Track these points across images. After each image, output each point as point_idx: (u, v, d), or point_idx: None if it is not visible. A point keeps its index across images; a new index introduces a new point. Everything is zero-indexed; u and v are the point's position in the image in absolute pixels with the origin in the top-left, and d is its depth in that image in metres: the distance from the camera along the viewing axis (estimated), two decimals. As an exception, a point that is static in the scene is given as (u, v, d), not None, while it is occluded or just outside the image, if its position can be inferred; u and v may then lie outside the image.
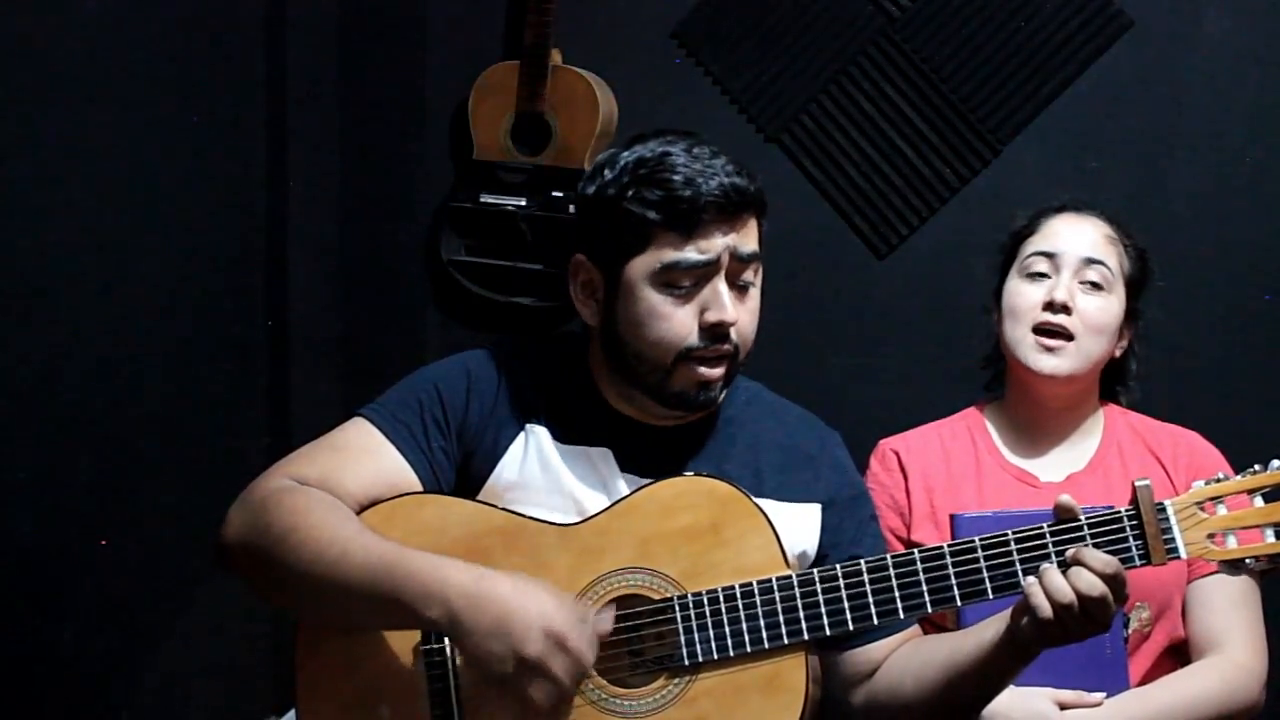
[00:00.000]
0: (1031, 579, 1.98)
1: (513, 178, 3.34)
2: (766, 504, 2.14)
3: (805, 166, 3.31)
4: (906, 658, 2.21)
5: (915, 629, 2.27)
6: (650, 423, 2.25)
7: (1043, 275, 2.56)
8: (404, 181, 3.48)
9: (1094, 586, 1.94)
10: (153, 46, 2.98)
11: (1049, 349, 2.52)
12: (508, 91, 3.31)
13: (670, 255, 2.12)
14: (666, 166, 2.12)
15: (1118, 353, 2.61)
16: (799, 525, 2.23)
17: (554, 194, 3.32)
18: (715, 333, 2.13)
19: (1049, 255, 2.56)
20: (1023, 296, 2.56)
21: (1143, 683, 2.46)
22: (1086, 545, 1.98)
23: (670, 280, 2.12)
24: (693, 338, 2.13)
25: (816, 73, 3.30)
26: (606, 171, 2.18)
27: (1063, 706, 2.35)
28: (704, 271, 2.13)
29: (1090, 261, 2.55)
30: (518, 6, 3.32)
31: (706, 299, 2.13)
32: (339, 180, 3.48)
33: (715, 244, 2.12)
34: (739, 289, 2.16)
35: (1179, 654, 2.53)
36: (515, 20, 3.33)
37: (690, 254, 2.11)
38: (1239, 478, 2.01)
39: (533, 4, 3.24)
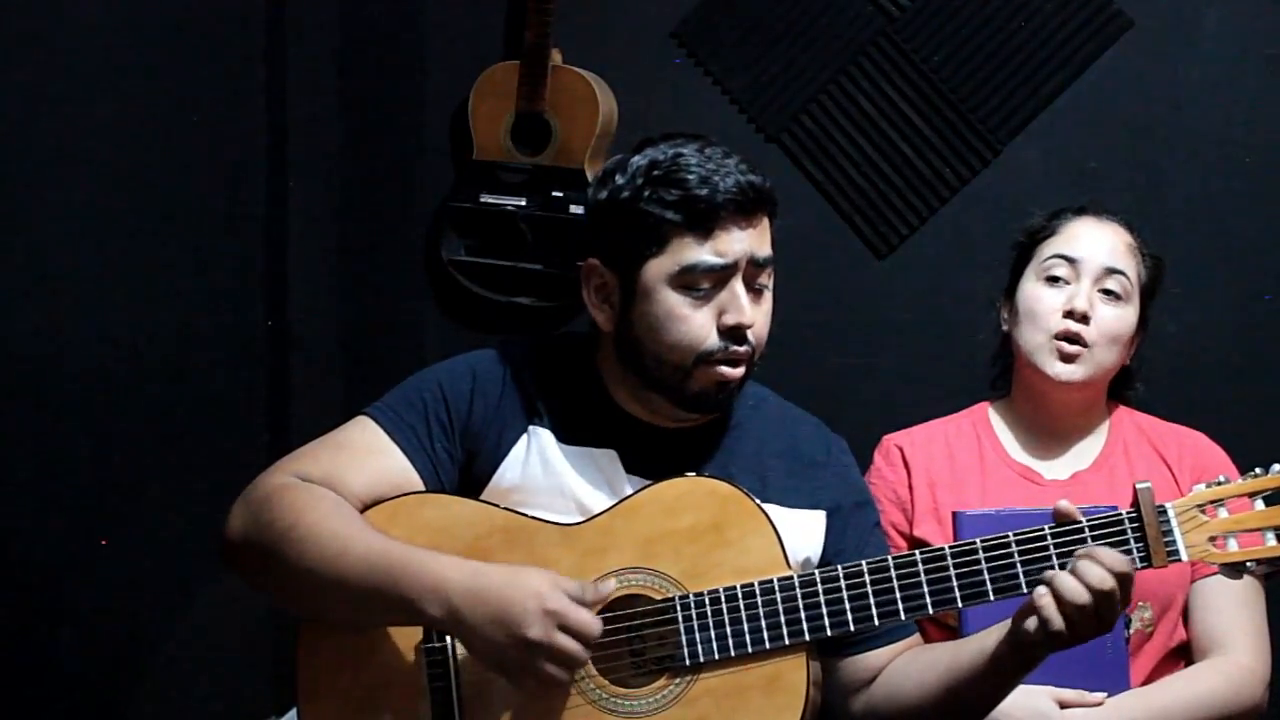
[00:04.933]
0: (1043, 589, 1.96)
1: (513, 178, 3.34)
2: (771, 509, 2.14)
3: (805, 166, 3.31)
4: (907, 664, 2.21)
5: (915, 639, 2.27)
6: (658, 424, 2.25)
7: (1062, 280, 2.55)
8: (404, 181, 3.48)
9: (1104, 581, 1.93)
10: (153, 46, 2.98)
11: (1066, 357, 2.51)
12: (508, 91, 3.31)
13: (689, 257, 2.12)
14: (681, 167, 2.12)
15: (1128, 360, 2.61)
16: (803, 531, 2.23)
17: (554, 194, 3.32)
18: (734, 335, 2.13)
19: (1070, 260, 2.55)
20: (1042, 301, 2.55)
21: (1145, 683, 2.46)
22: (1094, 545, 1.98)
23: (689, 282, 2.12)
24: (711, 340, 2.13)
25: (816, 73, 3.30)
26: (618, 176, 2.17)
27: (1063, 706, 2.34)
28: (722, 274, 2.13)
29: (1111, 271, 2.54)
30: (518, 6, 3.32)
31: (724, 302, 2.13)
32: (339, 180, 3.48)
33: (733, 247, 2.12)
34: (754, 291, 2.16)
35: (1181, 654, 2.53)
36: (515, 20, 3.33)
37: (709, 257, 2.11)
38: (1240, 481, 2.01)
39: (533, 4, 3.24)
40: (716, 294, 2.13)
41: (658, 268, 2.13)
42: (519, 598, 1.96)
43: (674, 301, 2.13)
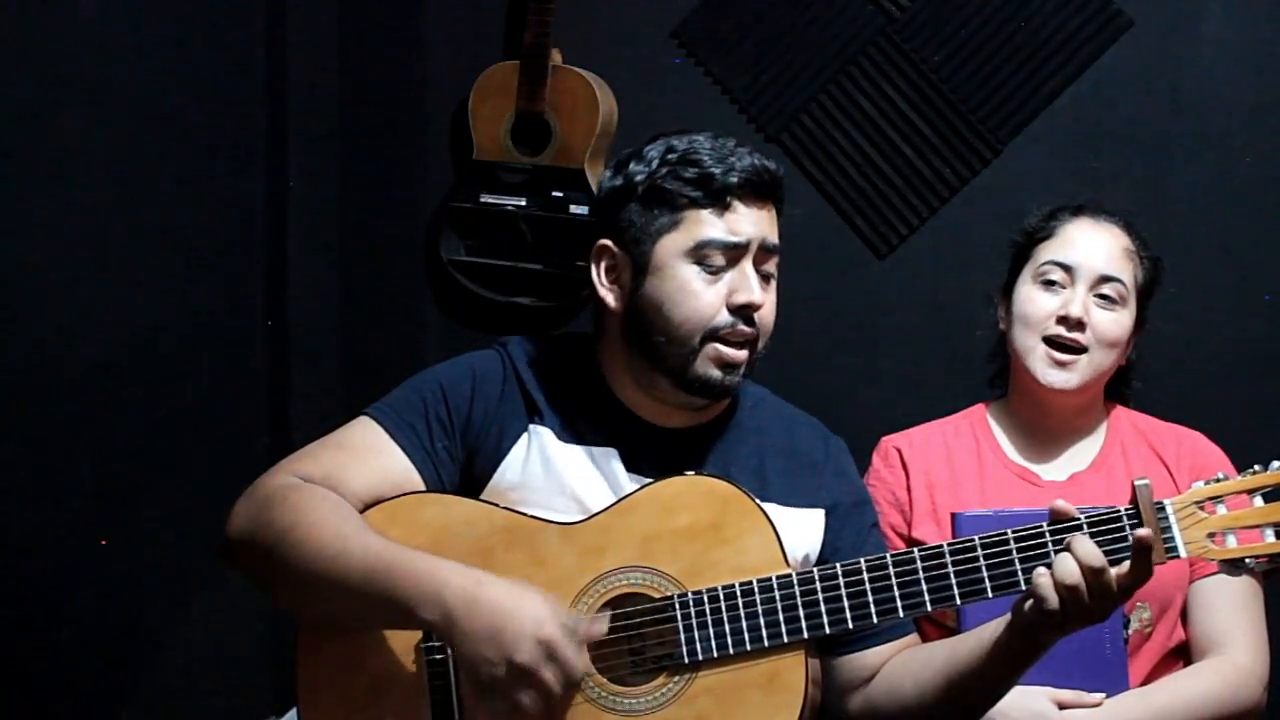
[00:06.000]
0: (1042, 569, 1.97)
1: (513, 178, 3.34)
2: (770, 508, 2.15)
3: (805, 166, 3.31)
4: (906, 661, 2.21)
5: (913, 637, 2.27)
6: (659, 423, 2.26)
7: (1057, 285, 2.55)
8: (404, 181, 3.48)
9: (1097, 556, 1.93)
10: (153, 46, 2.98)
11: (1059, 363, 2.51)
12: (508, 91, 3.31)
13: (704, 233, 2.16)
14: (696, 150, 2.19)
15: (1124, 361, 2.61)
16: (802, 530, 2.24)
17: (554, 194, 3.32)
18: (743, 314, 2.17)
19: (1065, 267, 2.55)
20: (1036, 305, 2.55)
21: (1144, 683, 2.46)
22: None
23: (703, 257, 2.16)
24: (720, 317, 2.16)
25: (816, 73, 3.30)
26: (633, 163, 2.22)
27: (1062, 706, 2.35)
28: (735, 253, 2.17)
29: (1106, 278, 2.54)
30: (518, 6, 3.32)
31: (734, 281, 2.17)
32: (339, 180, 3.48)
33: (746, 228, 2.17)
34: (762, 278, 2.20)
35: (1180, 655, 2.53)
36: (515, 20, 3.34)
37: (724, 233, 2.16)
38: (1239, 478, 2.01)
39: (533, 4, 3.24)
40: (728, 273, 2.17)
41: (672, 243, 2.17)
42: (516, 618, 1.96)
43: (687, 276, 2.16)
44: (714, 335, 2.16)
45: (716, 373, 2.18)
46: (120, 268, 2.91)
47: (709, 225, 2.16)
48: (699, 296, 2.16)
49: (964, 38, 3.24)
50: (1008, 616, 2.04)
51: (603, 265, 2.24)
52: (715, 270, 2.16)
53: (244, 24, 3.26)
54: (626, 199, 2.21)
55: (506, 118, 3.32)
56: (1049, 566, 1.97)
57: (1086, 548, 1.94)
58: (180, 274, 3.07)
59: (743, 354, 2.18)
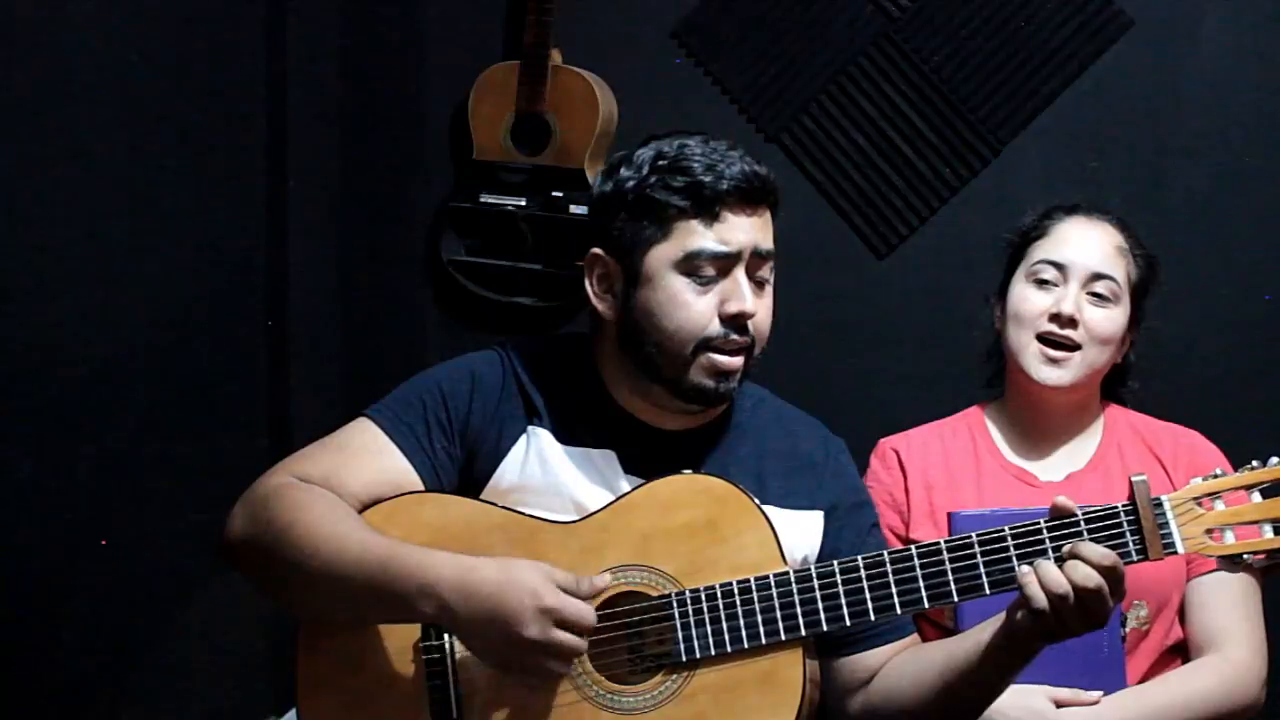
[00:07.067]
0: (1026, 568, 1.97)
1: (513, 178, 3.34)
2: (769, 510, 2.15)
3: (805, 166, 3.31)
4: (904, 663, 2.21)
5: (913, 638, 2.27)
6: (657, 425, 2.25)
7: (1050, 283, 2.55)
8: (404, 181, 3.48)
9: (1090, 578, 1.94)
10: (153, 46, 2.99)
11: (1053, 360, 2.51)
12: (508, 91, 3.31)
13: (694, 243, 2.14)
14: (686, 156, 2.16)
15: (1120, 359, 2.61)
16: (801, 532, 2.24)
17: (554, 194, 3.32)
18: (735, 323, 2.15)
19: (1057, 265, 2.55)
20: (1029, 303, 2.55)
21: (1141, 681, 2.46)
22: (1084, 540, 1.98)
23: (693, 268, 2.14)
24: (713, 327, 2.15)
25: (816, 73, 3.30)
26: (623, 169, 2.20)
27: (1060, 704, 2.35)
28: (725, 262, 2.15)
29: (1099, 276, 2.54)
30: (518, 6, 3.32)
31: (727, 290, 2.15)
32: (339, 180, 3.48)
33: (738, 236, 2.15)
34: (756, 284, 2.18)
35: (1178, 652, 2.53)
36: (515, 20, 3.34)
37: (714, 243, 2.14)
38: (1237, 473, 2.01)
39: (533, 4, 3.24)
40: (719, 282, 2.15)
41: (662, 254, 2.15)
42: (513, 596, 1.96)
43: (678, 287, 2.14)
44: (707, 345, 2.15)
45: (710, 382, 2.17)
46: (120, 268, 2.91)
47: (698, 235, 2.14)
48: (690, 307, 2.14)
49: (964, 38, 3.23)
50: (1003, 617, 2.03)
51: (595, 274, 2.23)
52: (706, 280, 2.14)
53: (244, 24, 3.26)
54: (617, 207, 2.19)
55: (506, 118, 3.32)
56: (1033, 566, 1.97)
57: (1081, 573, 1.94)
58: (180, 274, 3.08)
59: (737, 361, 2.17)
